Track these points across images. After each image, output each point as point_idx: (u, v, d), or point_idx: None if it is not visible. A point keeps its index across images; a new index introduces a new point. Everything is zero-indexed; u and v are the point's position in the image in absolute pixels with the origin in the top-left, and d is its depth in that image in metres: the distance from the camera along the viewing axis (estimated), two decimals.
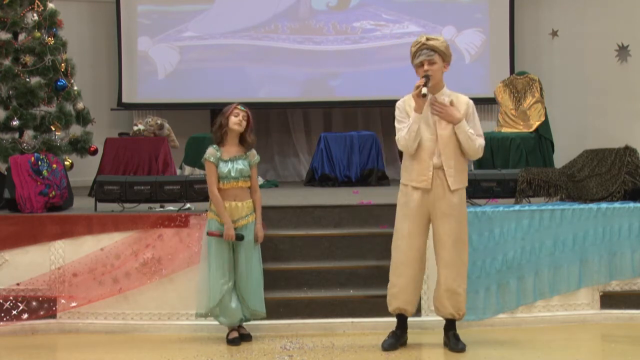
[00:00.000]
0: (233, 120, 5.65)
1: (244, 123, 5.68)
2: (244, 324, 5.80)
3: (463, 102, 5.40)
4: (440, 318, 5.58)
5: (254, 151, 5.80)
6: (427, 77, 5.25)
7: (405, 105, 5.40)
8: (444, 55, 5.34)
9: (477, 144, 5.33)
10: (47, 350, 5.82)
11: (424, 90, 5.19)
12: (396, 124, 5.43)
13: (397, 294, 5.47)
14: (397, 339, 5.54)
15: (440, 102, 5.30)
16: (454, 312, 5.44)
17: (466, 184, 5.45)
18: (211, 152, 5.70)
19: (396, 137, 5.43)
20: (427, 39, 5.33)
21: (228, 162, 5.66)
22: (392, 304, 5.51)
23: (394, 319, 5.73)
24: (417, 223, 5.37)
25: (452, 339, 5.48)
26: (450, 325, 5.53)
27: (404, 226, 5.40)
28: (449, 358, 5.37)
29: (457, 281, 5.37)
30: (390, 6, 10.63)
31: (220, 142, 5.71)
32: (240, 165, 5.68)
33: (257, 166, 5.83)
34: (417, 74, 5.39)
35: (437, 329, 5.66)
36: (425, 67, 5.28)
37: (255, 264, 5.71)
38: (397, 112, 5.44)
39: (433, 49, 5.30)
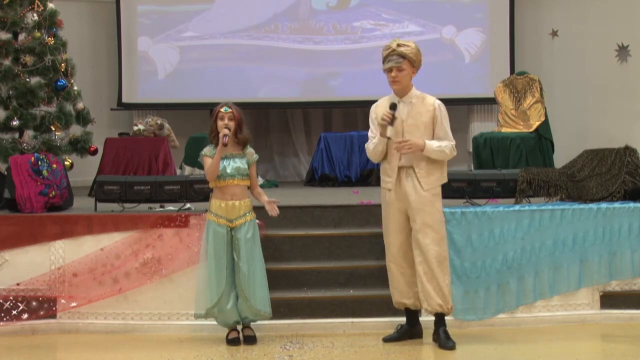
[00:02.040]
0: (219, 124, 5.64)
1: (231, 124, 5.65)
2: (252, 325, 5.77)
3: (429, 104, 5.50)
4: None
5: (251, 150, 5.79)
6: (394, 106, 5.42)
7: (377, 114, 5.56)
8: (413, 62, 5.46)
9: (447, 152, 5.44)
10: (47, 350, 5.82)
11: (389, 131, 5.38)
12: (369, 131, 5.65)
13: (392, 289, 5.68)
14: (402, 333, 5.67)
15: (402, 142, 5.38)
16: (442, 303, 5.48)
17: (442, 181, 5.54)
18: (207, 148, 5.72)
19: (366, 144, 5.68)
20: (398, 45, 5.46)
21: (224, 159, 5.65)
22: (393, 298, 5.70)
23: (395, 319, 5.84)
24: (395, 221, 5.55)
25: (442, 336, 5.53)
26: (440, 321, 5.58)
27: (385, 225, 5.64)
28: (448, 358, 5.37)
29: (437, 274, 5.43)
30: (390, 6, 10.63)
31: (216, 145, 5.69)
32: (237, 163, 5.66)
33: (257, 165, 5.82)
34: (387, 77, 5.53)
35: None
36: (394, 73, 5.44)
37: (258, 263, 5.69)
38: (371, 118, 5.66)
39: (402, 56, 5.43)
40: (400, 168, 5.48)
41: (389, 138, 5.40)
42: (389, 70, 5.45)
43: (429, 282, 5.45)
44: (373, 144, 5.55)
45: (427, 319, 5.80)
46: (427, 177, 5.45)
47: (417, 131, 5.43)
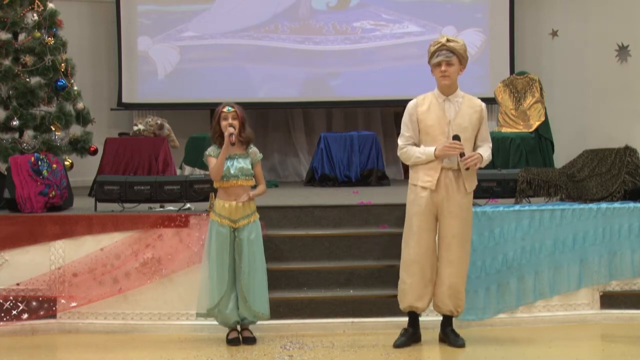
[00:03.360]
0: (223, 124, 5.63)
1: (235, 122, 5.61)
2: (250, 327, 5.77)
3: (477, 105, 5.51)
4: (439, 317, 5.63)
5: (255, 149, 5.77)
6: (457, 137, 5.32)
7: (415, 113, 5.44)
8: (462, 58, 5.45)
9: (491, 158, 5.52)
10: (47, 350, 5.82)
11: (449, 159, 5.35)
12: (402, 127, 5.53)
13: (406, 290, 5.51)
14: (409, 337, 5.57)
15: (470, 158, 5.31)
16: (453, 309, 5.53)
17: (476, 184, 5.56)
18: (211, 148, 5.69)
19: (399, 141, 5.54)
20: (448, 40, 5.43)
21: (227, 159, 5.63)
22: (403, 302, 5.56)
23: (395, 319, 5.82)
24: (426, 220, 5.43)
25: (451, 335, 5.54)
26: (448, 322, 5.59)
27: (414, 224, 5.46)
28: (448, 358, 5.38)
29: (461, 279, 5.48)
30: (390, 6, 10.63)
31: (220, 145, 5.68)
32: (240, 163, 5.65)
33: (261, 164, 5.81)
34: (432, 72, 5.49)
35: (437, 329, 5.65)
36: (443, 67, 5.39)
37: (259, 264, 5.67)
38: (405, 116, 5.52)
39: (452, 51, 5.39)
40: (442, 169, 5.39)
41: (462, 155, 5.32)
42: (438, 65, 5.40)
43: (451, 287, 5.44)
44: (417, 157, 5.40)
45: (427, 319, 5.80)
46: (472, 179, 5.46)
47: (464, 131, 5.38)
